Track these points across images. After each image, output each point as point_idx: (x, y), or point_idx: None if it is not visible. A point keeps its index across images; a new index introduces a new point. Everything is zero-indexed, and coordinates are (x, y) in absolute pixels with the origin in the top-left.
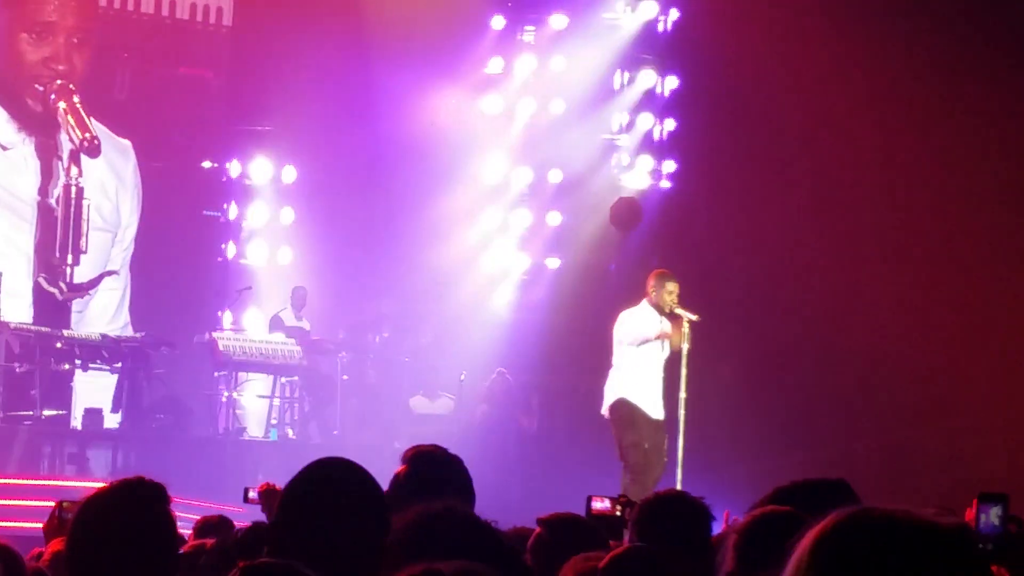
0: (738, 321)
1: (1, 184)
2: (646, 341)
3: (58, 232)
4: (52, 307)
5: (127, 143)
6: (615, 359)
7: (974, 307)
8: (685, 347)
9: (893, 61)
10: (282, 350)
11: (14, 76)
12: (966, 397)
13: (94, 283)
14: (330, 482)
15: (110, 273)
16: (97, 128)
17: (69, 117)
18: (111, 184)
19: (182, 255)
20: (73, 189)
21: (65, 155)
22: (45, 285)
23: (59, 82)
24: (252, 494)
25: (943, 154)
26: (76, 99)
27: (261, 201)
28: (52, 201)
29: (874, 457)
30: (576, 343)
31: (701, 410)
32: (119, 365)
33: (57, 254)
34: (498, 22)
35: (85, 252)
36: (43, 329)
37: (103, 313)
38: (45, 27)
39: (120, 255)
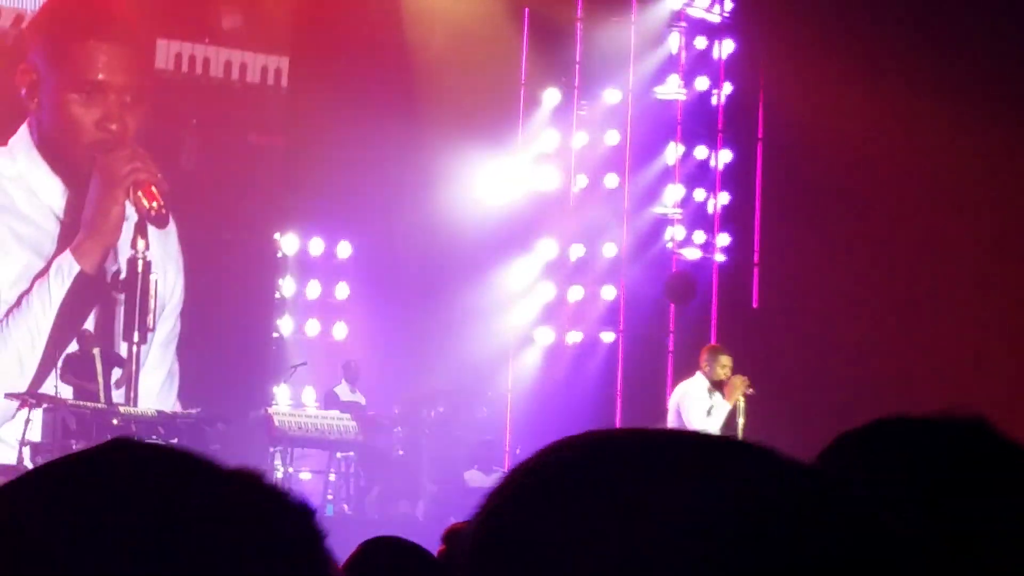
0: (794, 393)
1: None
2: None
3: (122, 309)
4: (108, 382)
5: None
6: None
7: None
8: (741, 420)
9: (945, 127)
10: (338, 425)
11: (70, 143)
12: None
13: (124, 361)
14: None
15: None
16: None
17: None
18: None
19: (237, 330)
20: (140, 263)
21: (130, 226)
22: (99, 362)
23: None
24: None
25: (1006, 209)
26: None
27: (316, 276)
28: (116, 275)
29: None
30: (631, 417)
31: None
32: (175, 441)
33: (122, 332)
34: (552, 97)
35: (152, 330)
36: (99, 405)
37: (150, 392)
38: (94, 86)
39: (165, 331)
